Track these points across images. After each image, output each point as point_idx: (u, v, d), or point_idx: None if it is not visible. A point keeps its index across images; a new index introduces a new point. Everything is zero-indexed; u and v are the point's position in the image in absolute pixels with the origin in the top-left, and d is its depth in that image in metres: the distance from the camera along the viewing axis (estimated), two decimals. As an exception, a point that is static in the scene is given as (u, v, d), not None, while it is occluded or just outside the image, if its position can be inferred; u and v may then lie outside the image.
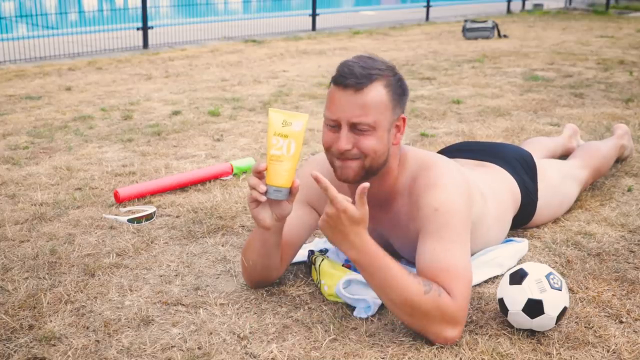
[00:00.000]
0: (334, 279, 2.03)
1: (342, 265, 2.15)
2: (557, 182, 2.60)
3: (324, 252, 2.28)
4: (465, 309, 1.76)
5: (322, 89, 5.25)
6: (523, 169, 2.47)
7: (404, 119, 1.90)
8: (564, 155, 3.13)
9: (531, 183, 2.46)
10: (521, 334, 1.84)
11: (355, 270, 2.15)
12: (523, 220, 2.48)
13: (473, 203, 1.98)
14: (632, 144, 3.32)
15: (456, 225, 1.82)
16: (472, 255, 2.20)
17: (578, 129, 3.40)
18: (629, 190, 2.97)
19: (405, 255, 2.08)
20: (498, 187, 2.32)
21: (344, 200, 1.69)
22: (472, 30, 8.83)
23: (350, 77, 1.77)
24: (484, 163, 2.45)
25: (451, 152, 2.59)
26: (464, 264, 1.79)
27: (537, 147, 3.04)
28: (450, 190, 1.85)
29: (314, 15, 9.85)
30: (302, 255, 2.25)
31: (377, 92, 1.79)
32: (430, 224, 1.82)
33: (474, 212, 2.01)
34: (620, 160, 3.26)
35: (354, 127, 1.81)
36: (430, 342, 1.78)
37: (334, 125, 1.83)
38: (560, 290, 1.81)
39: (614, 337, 1.84)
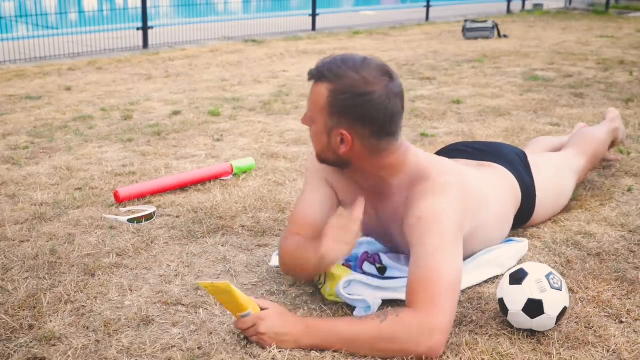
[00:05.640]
0: (335, 279, 2.03)
1: (343, 265, 2.16)
2: (552, 175, 2.61)
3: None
4: (438, 314, 1.70)
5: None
6: (521, 166, 2.48)
7: (347, 136, 1.83)
8: None
9: (529, 180, 2.46)
10: (521, 334, 1.84)
11: (355, 270, 2.16)
12: (524, 218, 2.48)
13: (474, 211, 1.97)
14: (623, 127, 3.34)
15: (441, 232, 1.79)
16: (472, 255, 2.20)
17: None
18: (629, 190, 2.97)
19: (402, 247, 2.08)
20: (501, 187, 2.32)
21: (249, 318, 1.76)
22: (472, 30, 8.83)
23: (313, 69, 1.86)
24: (486, 163, 2.45)
25: (449, 152, 2.59)
26: (444, 269, 1.74)
27: (542, 146, 3.03)
28: (438, 200, 1.83)
29: (314, 15, 9.85)
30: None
31: (320, 91, 1.83)
32: (414, 234, 1.82)
33: (477, 219, 2.01)
34: (614, 144, 3.26)
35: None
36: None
37: None
38: (560, 290, 1.81)
39: (614, 337, 1.84)
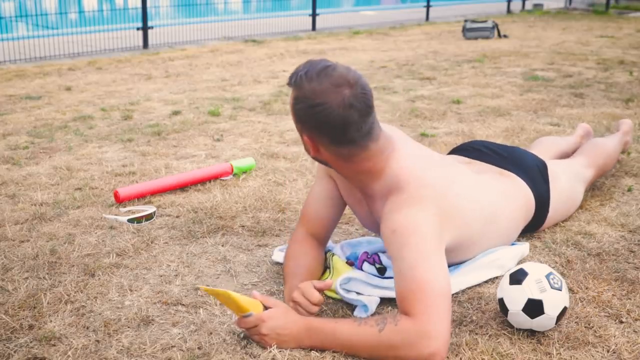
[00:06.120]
0: (339, 274, 2.05)
1: (346, 262, 2.16)
2: (567, 189, 2.58)
3: (329, 250, 2.29)
4: (434, 322, 1.69)
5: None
6: (540, 179, 2.45)
7: (309, 142, 1.86)
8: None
9: (546, 195, 2.44)
10: (521, 334, 1.84)
11: (356, 267, 2.16)
12: (532, 228, 2.47)
13: (459, 221, 1.95)
14: (631, 139, 3.36)
15: (418, 243, 1.78)
16: (473, 257, 2.18)
17: (591, 130, 3.39)
18: (629, 190, 2.97)
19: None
20: (516, 202, 2.30)
21: (252, 319, 1.77)
22: (472, 30, 8.83)
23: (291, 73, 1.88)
24: (507, 172, 2.41)
25: (470, 150, 2.56)
26: (430, 277, 1.73)
27: (549, 147, 3.02)
28: (412, 211, 1.82)
29: (314, 15, 9.85)
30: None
31: (290, 97, 1.86)
32: (391, 247, 1.81)
33: (474, 228, 2.02)
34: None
35: None
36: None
37: None
38: (560, 290, 1.81)
39: (614, 337, 1.84)
